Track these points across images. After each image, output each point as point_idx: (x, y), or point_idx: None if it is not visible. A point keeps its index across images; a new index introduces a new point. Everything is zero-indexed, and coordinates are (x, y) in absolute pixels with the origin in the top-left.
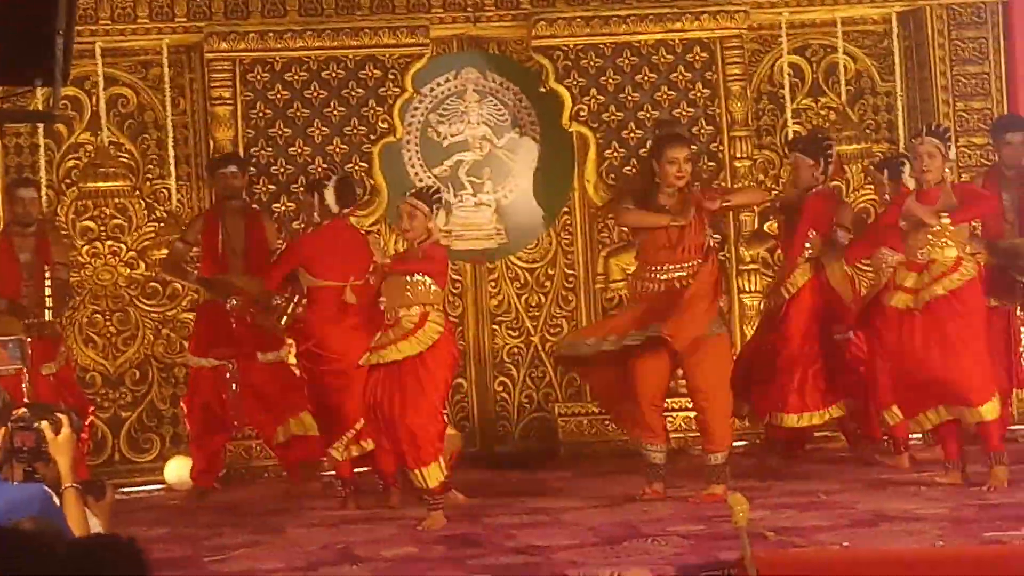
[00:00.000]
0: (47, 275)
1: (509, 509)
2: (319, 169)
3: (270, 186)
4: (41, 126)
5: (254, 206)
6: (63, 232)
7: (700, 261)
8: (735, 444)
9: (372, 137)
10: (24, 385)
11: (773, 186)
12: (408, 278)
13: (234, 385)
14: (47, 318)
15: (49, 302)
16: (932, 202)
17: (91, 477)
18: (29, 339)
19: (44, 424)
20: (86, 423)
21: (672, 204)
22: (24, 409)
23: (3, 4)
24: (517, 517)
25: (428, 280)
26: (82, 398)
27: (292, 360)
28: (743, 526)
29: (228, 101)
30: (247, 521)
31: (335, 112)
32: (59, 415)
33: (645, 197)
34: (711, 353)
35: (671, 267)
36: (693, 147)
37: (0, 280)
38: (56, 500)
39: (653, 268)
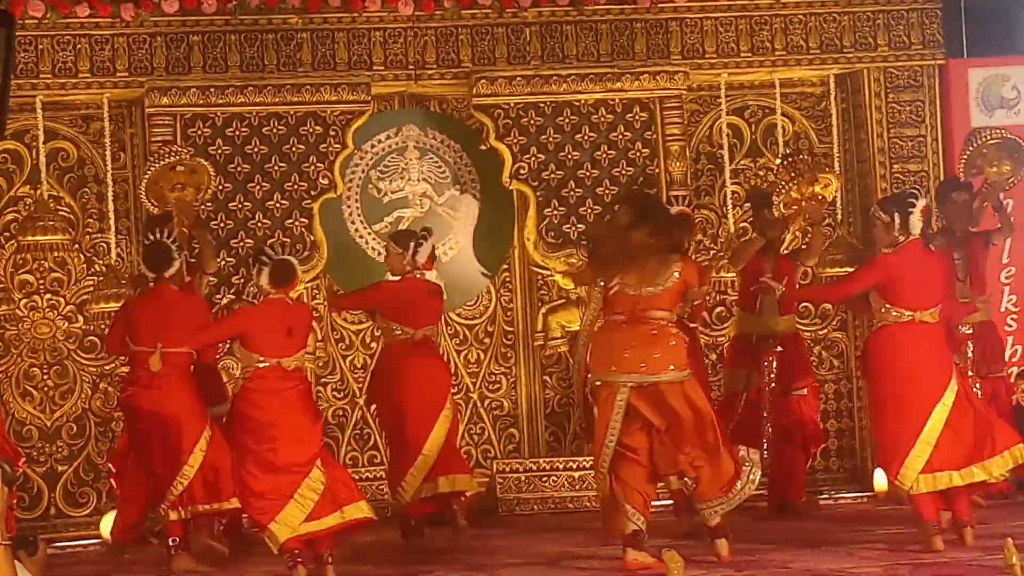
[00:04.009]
0: None
1: (448, 566)
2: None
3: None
4: None
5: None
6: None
7: None
8: (660, 503)
9: (313, 193)
10: None
11: (711, 245)
12: None
13: None
14: None
15: None
16: None
17: (25, 532)
18: None
19: None
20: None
21: None
22: None
23: None
24: (457, 574)
25: None
26: (13, 450)
27: None
28: None
29: None
30: None
31: (276, 168)
32: None
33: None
34: None
35: None
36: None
37: None
38: None
39: None
